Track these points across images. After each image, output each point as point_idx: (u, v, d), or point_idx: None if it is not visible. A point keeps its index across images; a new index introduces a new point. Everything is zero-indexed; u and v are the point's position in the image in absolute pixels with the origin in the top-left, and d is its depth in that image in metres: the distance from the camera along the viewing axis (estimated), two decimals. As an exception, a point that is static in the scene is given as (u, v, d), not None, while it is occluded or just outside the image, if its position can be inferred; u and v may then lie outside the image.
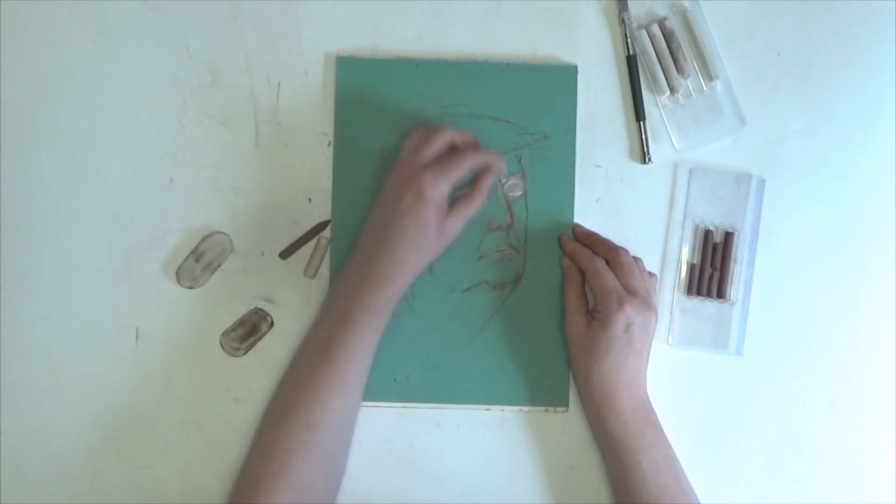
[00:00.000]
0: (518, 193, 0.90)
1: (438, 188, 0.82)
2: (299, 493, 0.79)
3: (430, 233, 0.82)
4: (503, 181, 0.90)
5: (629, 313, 0.83)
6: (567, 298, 0.88)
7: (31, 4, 0.90)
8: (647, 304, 0.84)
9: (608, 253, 0.87)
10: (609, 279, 0.85)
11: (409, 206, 0.82)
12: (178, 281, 0.88)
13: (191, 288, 0.88)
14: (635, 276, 0.85)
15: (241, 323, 0.88)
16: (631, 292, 0.84)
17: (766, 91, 0.92)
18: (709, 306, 0.91)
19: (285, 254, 0.88)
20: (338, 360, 0.82)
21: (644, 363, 0.85)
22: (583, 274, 0.88)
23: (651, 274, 0.90)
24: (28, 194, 0.89)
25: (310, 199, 0.90)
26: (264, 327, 0.88)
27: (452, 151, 0.85)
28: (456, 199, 0.85)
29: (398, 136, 0.89)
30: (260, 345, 0.89)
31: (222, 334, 0.88)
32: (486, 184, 0.86)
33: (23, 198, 0.89)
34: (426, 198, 0.81)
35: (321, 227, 0.88)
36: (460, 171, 0.83)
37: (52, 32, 0.90)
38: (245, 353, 0.88)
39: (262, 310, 0.89)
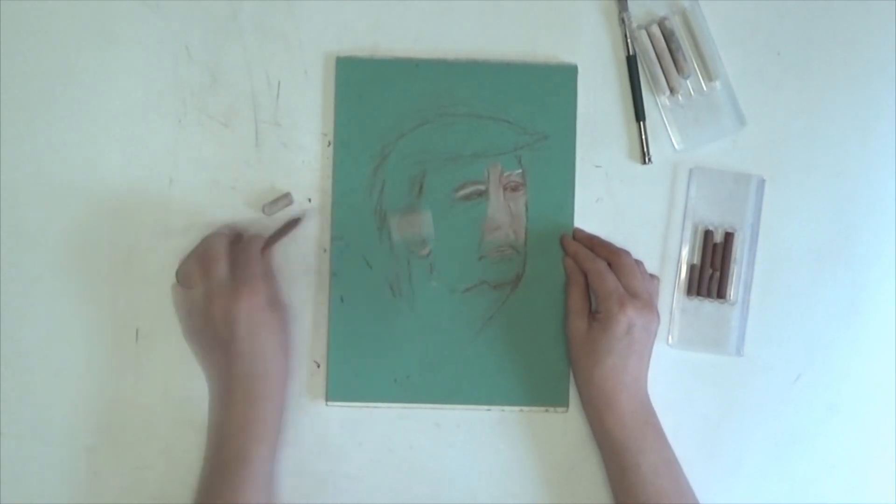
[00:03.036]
0: (518, 193, 0.90)
1: (259, 301, 0.81)
2: None
3: (277, 340, 0.82)
4: (503, 181, 0.90)
5: (631, 315, 0.83)
6: (570, 299, 0.88)
7: (31, 4, 0.90)
8: (649, 306, 0.84)
9: (610, 255, 0.87)
10: (611, 280, 0.85)
11: (248, 335, 0.81)
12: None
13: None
14: (637, 278, 0.85)
15: None
16: (633, 294, 0.84)
17: (766, 91, 0.92)
18: (709, 307, 0.91)
19: (262, 248, 0.88)
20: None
21: (645, 365, 0.86)
22: (586, 275, 0.88)
23: (652, 276, 0.90)
24: (28, 194, 0.89)
25: (310, 200, 0.90)
26: None
27: (235, 256, 0.83)
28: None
29: (398, 136, 0.89)
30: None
31: None
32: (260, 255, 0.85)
33: (23, 197, 0.89)
34: (256, 315, 0.81)
35: (294, 223, 0.88)
36: (258, 269, 0.82)
37: (52, 32, 0.90)
38: None
39: None
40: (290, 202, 0.89)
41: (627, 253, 0.87)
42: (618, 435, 0.84)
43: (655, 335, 0.86)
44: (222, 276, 0.82)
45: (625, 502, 0.84)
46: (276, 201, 0.89)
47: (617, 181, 0.91)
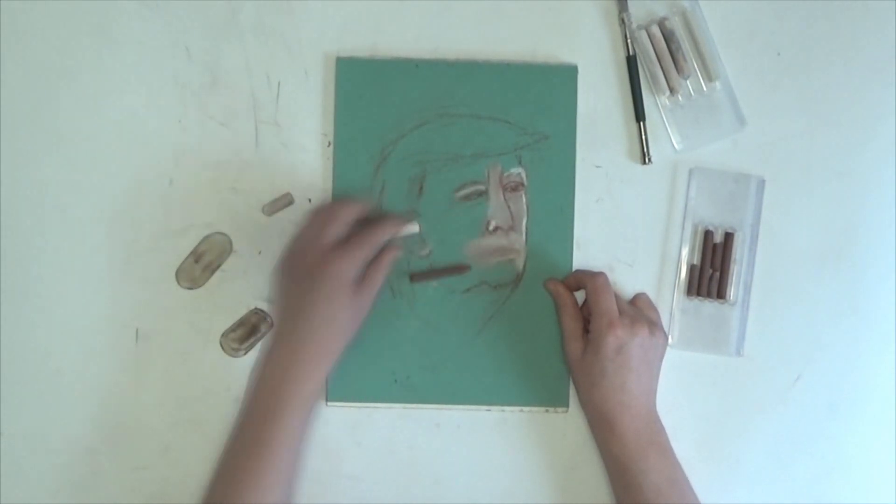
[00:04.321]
0: (518, 193, 0.90)
1: (351, 272, 0.82)
2: None
3: (346, 316, 0.82)
4: (503, 181, 0.90)
5: (619, 334, 0.83)
6: (562, 323, 0.88)
7: (31, 4, 0.90)
8: (639, 322, 0.84)
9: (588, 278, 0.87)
10: (606, 300, 0.84)
11: (326, 294, 0.81)
12: (178, 282, 0.88)
13: (190, 289, 0.88)
14: (622, 299, 0.87)
15: (240, 323, 0.89)
16: (622, 312, 0.84)
17: (766, 91, 0.91)
18: (709, 307, 0.91)
19: (417, 277, 0.89)
20: (271, 456, 0.79)
21: (646, 382, 0.85)
22: (573, 297, 0.88)
23: (638, 295, 0.90)
24: (28, 194, 0.89)
25: (310, 200, 0.90)
26: (264, 327, 0.88)
27: (358, 229, 0.84)
28: (363, 276, 0.84)
29: (398, 136, 0.89)
30: (260, 345, 0.89)
31: (222, 335, 0.88)
32: (388, 260, 0.86)
33: (23, 198, 0.89)
34: (342, 282, 0.81)
35: (460, 269, 0.89)
36: (369, 250, 0.83)
37: (52, 32, 0.90)
38: (245, 353, 0.88)
39: (261, 310, 0.89)
40: (291, 202, 0.89)
41: (602, 274, 0.87)
42: (619, 455, 0.84)
43: (659, 350, 0.85)
44: (339, 233, 0.83)
45: None
46: (275, 201, 0.89)
47: (617, 181, 0.91)
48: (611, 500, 0.88)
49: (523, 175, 0.90)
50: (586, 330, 0.87)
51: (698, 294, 0.90)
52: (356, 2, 0.90)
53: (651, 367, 0.85)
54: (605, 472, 0.88)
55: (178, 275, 0.88)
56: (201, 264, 0.89)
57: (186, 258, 0.89)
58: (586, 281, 0.87)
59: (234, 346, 0.88)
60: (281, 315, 0.84)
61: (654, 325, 0.86)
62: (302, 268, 0.82)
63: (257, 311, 0.89)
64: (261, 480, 0.79)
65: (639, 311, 0.87)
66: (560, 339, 0.89)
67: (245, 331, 0.88)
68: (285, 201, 0.89)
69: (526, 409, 0.89)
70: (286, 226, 0.89)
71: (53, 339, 0.89)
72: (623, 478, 0.84)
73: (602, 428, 0.85)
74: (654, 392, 0.86)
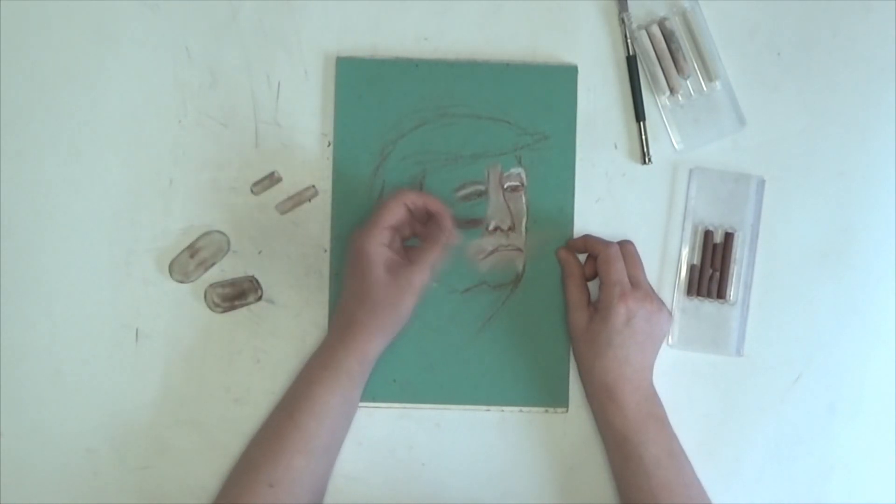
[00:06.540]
0: (518, 194, 0.90)
1: (373, 238, 0.81)
2: None
3: (380, 289, 0.81)
4: (503, 181, 0.90)
5: (631, 306, 0.83)
6: (568, 292, 0.88)
7: (31, 4, 0.90)
8: (650, 297, 0.85)
9: (607, 246, 0.87)
10: (618, 270, 0.85)
11: (354, 267, 0.83)
12: (170, 274, 0.88)
13: (182, 282, 0.88)
14: (639, 268, 0.86)
15: (232, 283, 0.88)
16: (635, 284, 0.84)
17: (766, 91, 0.91)
18: (709, 307, 0.91)
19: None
20: (299, 420, 0.82)
21: (648, 356, 0.85)
22: (581, 266, 0.88)
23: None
24: (28, 194, 0.89)
25: (310, 200, 0.90)
26: (251, 298, 0.88)
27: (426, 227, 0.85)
28: (416, 248, 0.84)
29: (398, 136, 0.89)
30: (261, 346, 0.89)
31: (210, 285, 0.88)
32: (446, 223, 0.84)
33: (23, 198, 0.89)
34: (364, 252, 0.81)
35: (475, 223, 0.89)
36: (389, 213, 0.82)
37: (52, 32, 0.90)
38: (223, 311, 0.88)
39: (256, 280, 0.88)
40: (279, 180, 0.89)
41: (632, 243, 0.88)
42: (620, 427, 0.84)
43: (663, 327, 0.86)
44: (389, 218, 0.82)
45: (627, 494, 0.84)
46: (261, 181, 0.89)
47: (617, 181, 0.91)
48: (609, 499, 0.88)
49: (523, 175, 0.90)
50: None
51: (698, 294, 0.90)
52: (356, 2, 0.90)
53: (654, 342, 0.86)
54: (604, 472, 0.88)
55: (171, 267, 0.88)
56: (196, 259, 0.88)
57: (182, 252, 0.88)
58: (599, 249, 0.87)
59: (216, 300, 0.88)
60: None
61: (661, 302, 0.86)
62: (350, 249, 0.84)
63: (252, 280, 0.88)
64: (287, 443, 0.82)
65: (650, 287, 0.87)
66: (564, 309, 0.89)
67: (233, 291, 0.88)
68: (308, 194, 0.89)
69: (525, 409, 0.89)
70: (287, 226, 0.89)
71: (53, 339, 0.89)
72: (623, 449, 0.84)
73: (603, 399, 0.85)
74: (652, 368, 0.86)
